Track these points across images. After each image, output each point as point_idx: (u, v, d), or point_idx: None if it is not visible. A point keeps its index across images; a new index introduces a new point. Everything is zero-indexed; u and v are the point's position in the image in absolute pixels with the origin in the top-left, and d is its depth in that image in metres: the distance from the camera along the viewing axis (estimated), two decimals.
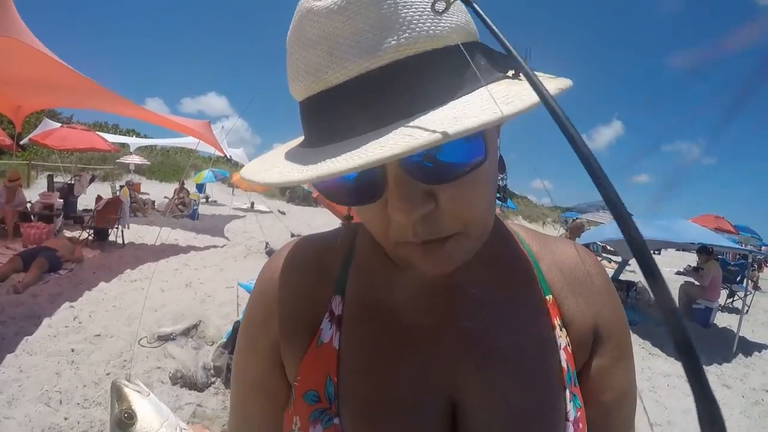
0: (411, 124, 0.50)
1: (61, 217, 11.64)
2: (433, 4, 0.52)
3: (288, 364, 0.80)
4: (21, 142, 15.91)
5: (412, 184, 0.57)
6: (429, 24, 0.53)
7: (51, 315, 5.91)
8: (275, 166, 0.61)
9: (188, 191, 18.45)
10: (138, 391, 0.69)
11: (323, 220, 20.10)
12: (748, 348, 7.47)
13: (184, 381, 4.44)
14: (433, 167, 0.56)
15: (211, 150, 14.73)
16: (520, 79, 0.56)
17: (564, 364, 0.75)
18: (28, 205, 11.56)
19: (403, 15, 0.52)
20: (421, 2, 0.53)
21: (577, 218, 20.97)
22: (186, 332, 5.52)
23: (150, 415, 0.67)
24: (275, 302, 0.81)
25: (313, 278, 0.82)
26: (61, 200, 12.60)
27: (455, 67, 0.54)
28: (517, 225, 0.91)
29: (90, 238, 10.72)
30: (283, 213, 20.95)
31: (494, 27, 0.46)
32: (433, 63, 0.53)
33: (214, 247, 11.77)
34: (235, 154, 19.83)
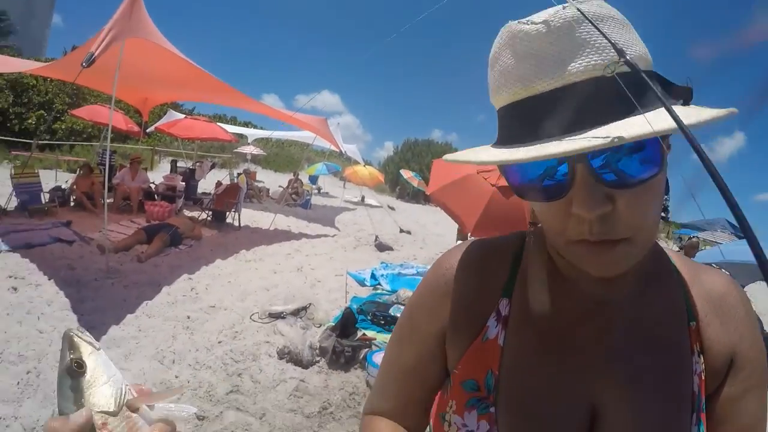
0: (599, 129, 0.57)
1: (182, 198, 12.28)
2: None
3: (450, 353, 0.88)
4: (147, 130, 16.92)
5: (596, 186, 0.62)
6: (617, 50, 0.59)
7: (170, 284, 6.19)
8: (486, 151, 0.71)
9: (302, 182, 18.91)
10: (90, 344, 0.64)
11: (431, 218, 20.08)
12: None
13: (290, 357, 4.47)
14: (615, 174, 0.62)
15: (325, 144, 15.06)
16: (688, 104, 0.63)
17: (695, 389, 0.78)
18: (152, 186, 12.25)
19: (600, 41, 0.60)
20: (612, 37, 0.61)
21: (693, 236, 19.83)
22: (296, 312, 5.58)
23: (99, 369, 0.61)
24: (447, 296, 0.89)
25: (484, 280, 0.88)
26: (183, 183, 13.24)
27: (637, 87, 0.57)
28: (669, 249, 0.92)
29: (208, 218, 11.17)
30: (392, 208, 21.06)
31: (656, 90, 0.56)
32: (628, 80, 0.57)
33: (325, 236, 11.92)
34: (349, 149, 20.05)
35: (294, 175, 18.72)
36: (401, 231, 14.38)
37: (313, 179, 23.29)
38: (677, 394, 0.77)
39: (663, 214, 0.77)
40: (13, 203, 8.98)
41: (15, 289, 5.27)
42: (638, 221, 0.65)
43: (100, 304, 5.19)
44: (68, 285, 5.61)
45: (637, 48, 0.64)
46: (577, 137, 0.57)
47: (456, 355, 0.87)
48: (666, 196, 0.77)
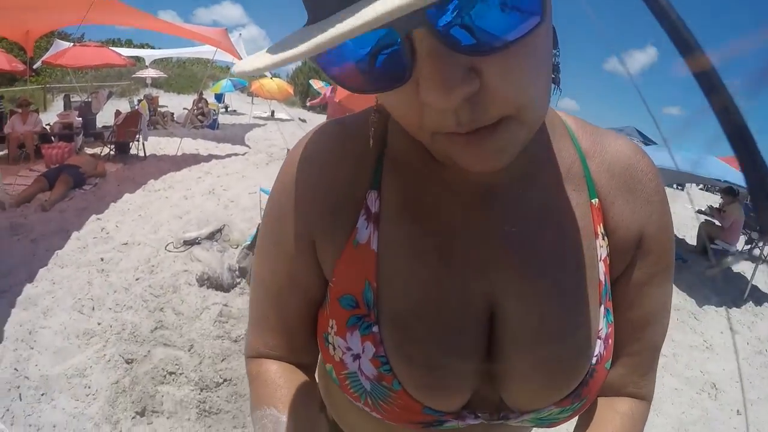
0: None
1: (81, 135, 11.64)
2: None
3: (324, 262, 0.75)
4: (34, 66, 15.80)
5: (450, 56, 0.44)
6: None
7: (79, 228, 6.04)
8: (270, 52, 0.46)
9: (207, 101, 18.27)
10: None
11: None
12: (760, 298, 7.24)
13: (210, 282, 4.56)
14: (475, 34, 0.43)
15: (229, 59, 14.50)
16: None
17: (602, 278, 0.71)
18: (47, 127, 11.59)
19: None
20: None
21: None
22: (211, 236, 5.62)
23: None
24: (308, 193, 0.73)
25: (348, 170, 0.73)
26: (80, 119, 12.49)
27: None
28: (567, 114, 0.79)
29: (111, 152, 10.77)
30: (303, 121, 20.65)
31: None
32: None
33: (236, 155, 11.74)
34: None
35: (198, 95, 18.00)
36: None
37: (219, 97, 22.52)
38: (581, 285, 0.70)
39: (554, 75, 0.63)
40: None
41: None
42: (520, 94, 0.49)
43: (9, 264, 5.02)
44: None
45: None
46: None
47: (328, 265, 0.74)
48: (555, 51, 0.62)
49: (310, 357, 0.85)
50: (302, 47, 0.38)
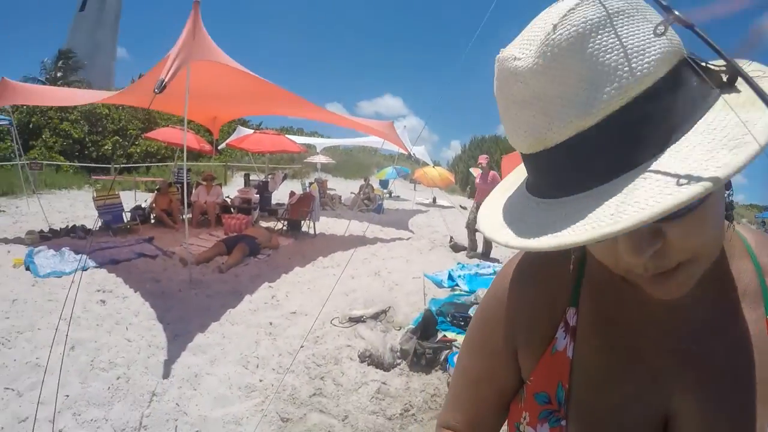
0: (631, 187, 0.49)
1: (257, 210, 12.58)
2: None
3: (523, 364, 0.86)
4: (218, 147, 17.50)
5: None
6: (635, 64, 0.50)
7: (252, 292, 6.31)
8: (518, 221, 0.62)
9: (373, 187, 19.02)
10: None
11: None
12: None
13: (371, 360, 4.45)
14: None
15: (393, 148, 15.12)
16: (738, 90, 0.52)
17: None
18: (228, 199, 12.71)
19: (606, 62, 0.50)
20: (621, 44, 0.50)
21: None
22: (375, 316, 5.57)
23: None
24: (513, 309, 0.86)
25: (550, 289, 0.84)
26: (258, 195, 13.55)
27: (669, 102, 0.51)
28: (747, 229, 0.81)
29: (284, 228, 11.40)
30: (464, 208, 20.60)
31: (716, 46, 0.45)
32: (645, 107, 0.50)
33: (400, 239, 11.84)
34: (417, 151, 19.94)
35: (365, 181, 18.87)
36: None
37: (384, 183, 23.44)
38: (751, 399, 0.69)
39: (727, 213, 0.69)
40: (98, 224, 9.37)
41: (104, 302, 5.53)
42: (695, 244, 0.58)
43: (184, 313, 5.35)
44: (154, 296, 5.83)
45: (654, 47, 0.51)
46: (612, 203, 0.49)
47: (529, 366, 0.85)
48: (728, 191, 0.68)
49: None
50: (557, 241, 0.51)
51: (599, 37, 0.51)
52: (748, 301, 0.73)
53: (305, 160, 26.22)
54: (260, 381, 3.96)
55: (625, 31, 0.51)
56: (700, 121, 0.51)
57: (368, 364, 4.43)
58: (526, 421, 0.83)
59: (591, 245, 0.65)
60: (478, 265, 8.49)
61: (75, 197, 16.02)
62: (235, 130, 18.01)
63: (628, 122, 0.50)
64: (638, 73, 0.49)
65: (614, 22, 0.51)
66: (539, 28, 0.54)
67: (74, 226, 9.45)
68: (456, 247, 10.83)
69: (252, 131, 17.16)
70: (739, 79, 0.52)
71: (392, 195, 24.57)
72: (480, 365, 0.93)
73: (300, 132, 33.71)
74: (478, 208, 9.00)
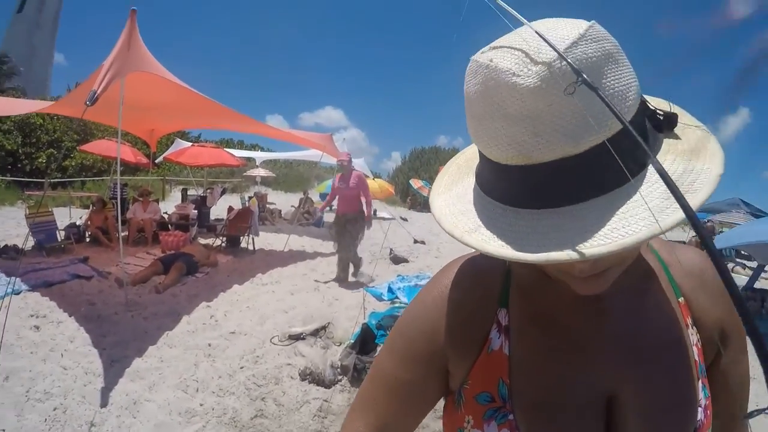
0: (615, 209, 0.59)
1: (195, 226, 12.39)
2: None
3: (455, 371, 0.89)
4: (156, 161, 17.19)
5: None
6: (619, 106, 0.58)
7: (189, 313, 6.24)
8: (478, 228, 0.70)
9: (312, 201, 18.92)
10: None
11: None
12: None
13: (312, 377, 4.48)
14: None
15: (332, 161, 15.14)
16: (678, 138, 0.67)
17: (697, 359, 0.85)
18: (165, 216, 12.44)
19: (598, 102, 0.55)
20: (612, 87, 0.59)
21: (707, 220, 19.23)
22: (315, 333, 5.61)
23: None
24: (443, 317, 0.90)
25: (479, 294, 0.89)
26: (195, 211, 13.31)
27: (632, 141, 0.56)
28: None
29: (223, 245, 11.31)
30: (405, 219, 20.82)
31: (611, 106, 0.54)
32: (620, 142, 0.57)
33: None
34: (357, 164, 19.99)
35: (304, 194, 18.78)
36: (415, 242, 14.39)
37: (324, 196, 23.37)
38: (683, 366, 0.82)
39: None
40: (30, 243, 9.09)
41: (37, 327, 5.37)
42: (623, 255, 0.69)
43: (121, 337, 5.25)
44: (89, 320, 5.69)
45: (633, 88, 0.62)
46: (583, 241, 0.58)
47: (462, 371, 0.89)
48: None
49: None
50: (539, 257, 0.60)
51: (598, 78, 0.58)
52: (660, 288, 0.87)
53: (245, 174, 25.93)
54: (200, 405, 3.94)
55: (615, 74, 0.60)
56: (649, 168, 0.61)
57: (309, 382, 4.46)
58: (470, 424, 0.86)
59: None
60: (417, 276, 8.64)
61: (6, 214, 15.39)
62: (173, 143, 17.70)
63: (606, 153, 0.56)
64: (621, 111, 0.57)
65: (607, 67, 0.59)
66: (537, 49, 0.58)
67: (5, 246, 9.08)
68: (396, 259, 10.91)
69: (190, 144, 16.86)
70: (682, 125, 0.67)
71: (333, 208, 24.47)
72: (401, 371, 0.92)
73: (240, 145, 33.37)
74: (339, 220, 8.75)
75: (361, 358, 4.68)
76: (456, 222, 0.74)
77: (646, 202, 0.57)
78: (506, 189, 0.68)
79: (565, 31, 0.60)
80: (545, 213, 0.63)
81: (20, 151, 21.85)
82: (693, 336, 0.86)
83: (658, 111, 0.65)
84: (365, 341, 5.01)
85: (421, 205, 28.81)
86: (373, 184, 19.30)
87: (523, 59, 0.59)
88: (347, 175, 8.65)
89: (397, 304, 7.04)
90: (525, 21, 0.63)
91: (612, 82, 0.59)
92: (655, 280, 0.88)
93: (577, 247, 0.58)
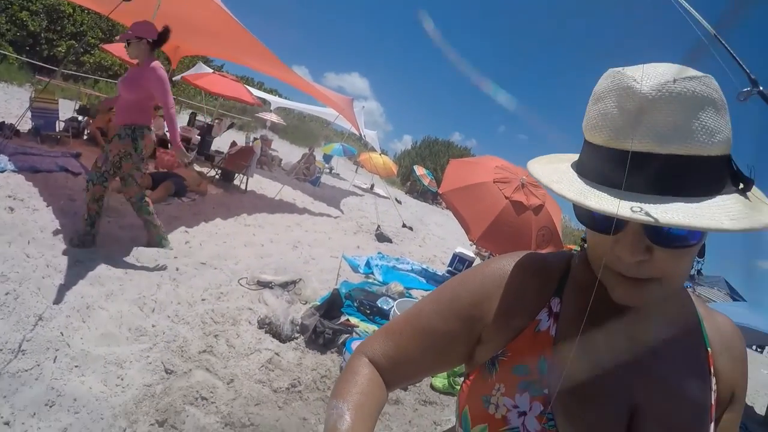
0: (672, 204, 0.70)
1: (195, 152, 12.20)
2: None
3: (490, 340, 0.99)
4: (173, 79, 16.91)
5: (641, 237, 0.77)
6: (705, 138, 0.72)
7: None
8: (569, 178, 0.84)
9: (315, 158, 18.80)
10: None
11: (435, 219, 19.93)
12: None
13: (270, 328, 4.42)
14: (660, 234, 0.76)
15: (346, 125, 14.92)
16: (747, 198, 0.75)
17: (713, 403, 0.93)
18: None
19: (692, 124, 0.71)
20: (706, 122, 0.72)
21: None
22: (284, 285, 5.53)
23: None
24: (499, 287, 1.00)
25: (539, 281, 1.00)
26: (199, 137, 13.13)
27: (709, 172, 0.73)
28: (691, 293, 1.07)
29: (217, 176, 11.21)
30: (399, 202, 20.58)
31: None
32: (699, 165, 0.72)
33: (328, 216, 11.79)
34: (369, 135, 19.72)
35: (309, 151, 18.64)
36: (404, 226, 14.28)
37: (327, 158, 23.23)
38: (705, 401, 0.92)
39: (692, 274, 0.90)
40: (27, 126, 8.96)
41: (11, 209, 5.27)
42: (669, 270, 0.79)
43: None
44: (65, 215, 5.62)
45: (723, 134, 0.74)
46: (650, 206, 0.70)
47: (498, 342, 0.97)
48: (700, 259, 0.90)
49: (396, 384, 1.07)
50: (595, 202, 0.73)
51: (696, 110, 0.71)
52: (694, 331, 0.99)
53: (256, 114, 25.60)
54: (152, 326, 3.88)
55: (712, 115, 0.73)
56: (717, 197, 0.73)
57: (266, 332, 4.41)
58: (500, 392, 0.93)
59: (595, 236, 0.85)
60: (397, 259, 8.57)
61: (12, 93, 15.23)
62: (195, 65, 17.41)
63: (684, 167, 0.72)
64: (705, 143, 0.72)
65: (708, 106, 0.72)
66: (661, 73, 0.73)
67: (2, 122, 8.92)
68: (381, 237, 10.85)
69: (212, 71, 16.59)
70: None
71: (332, 171, 24.41)
72: (436, 319, 1.02)
73: (260, 86, 32.92)
74: None
75: (324, 321, 4.63)
76: (544, 171, 0.89)
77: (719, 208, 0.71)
78: (597, 168, 0.80)
79: (690, 71, 0.73)
80: (627, 194, 0.73)
81: (43, 35, 21.55)
82: (713, 384, 0.95)
83: (740, 170, 0.77)
84: (332, 306, 4.98)
85: (419, 192, 28.70)
86: (378, 159, 19.16)
87: (646, 72, 0.75)
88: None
89: (371, 280, 7.00)
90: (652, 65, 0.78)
91: (707, 118, 0.72)
92: (690, 322, 0.99)
93: (653, 213, 0.67)
